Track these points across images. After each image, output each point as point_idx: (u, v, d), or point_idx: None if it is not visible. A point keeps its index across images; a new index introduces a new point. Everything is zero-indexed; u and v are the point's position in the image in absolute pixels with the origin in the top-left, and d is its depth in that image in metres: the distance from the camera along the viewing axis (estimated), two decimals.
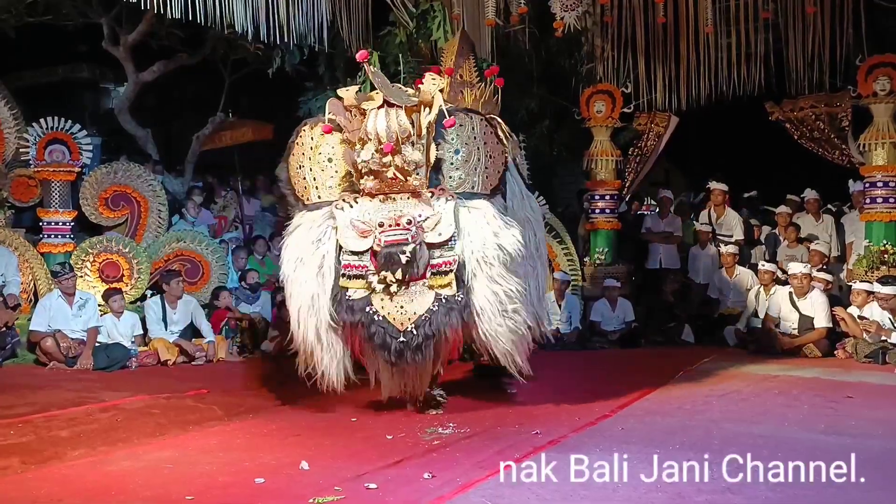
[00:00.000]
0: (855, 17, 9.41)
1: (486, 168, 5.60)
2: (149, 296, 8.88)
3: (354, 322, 5.43)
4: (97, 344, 7.82)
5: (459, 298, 5.39)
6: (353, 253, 5.44)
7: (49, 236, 8.89)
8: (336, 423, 5.51)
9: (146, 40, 11.84)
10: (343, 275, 5.46)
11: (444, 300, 5.40)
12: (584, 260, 10.59)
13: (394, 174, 5.40)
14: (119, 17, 11.59)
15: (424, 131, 5.37)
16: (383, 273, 5.33)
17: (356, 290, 5.44)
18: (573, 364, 8.35)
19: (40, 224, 9.00)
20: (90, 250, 8.88)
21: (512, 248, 5.45)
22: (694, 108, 10.73)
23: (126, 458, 4.56)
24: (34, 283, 8.63)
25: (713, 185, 10.98)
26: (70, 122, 9.02)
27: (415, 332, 5.38)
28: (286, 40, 8.41)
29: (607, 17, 10.51)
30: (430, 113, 5.37)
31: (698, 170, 13.52)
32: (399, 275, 5.31)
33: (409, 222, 5.35)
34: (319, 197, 5.65)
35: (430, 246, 5.42)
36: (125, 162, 10.01)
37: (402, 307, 5.41)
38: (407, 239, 5.32)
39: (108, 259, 8.90)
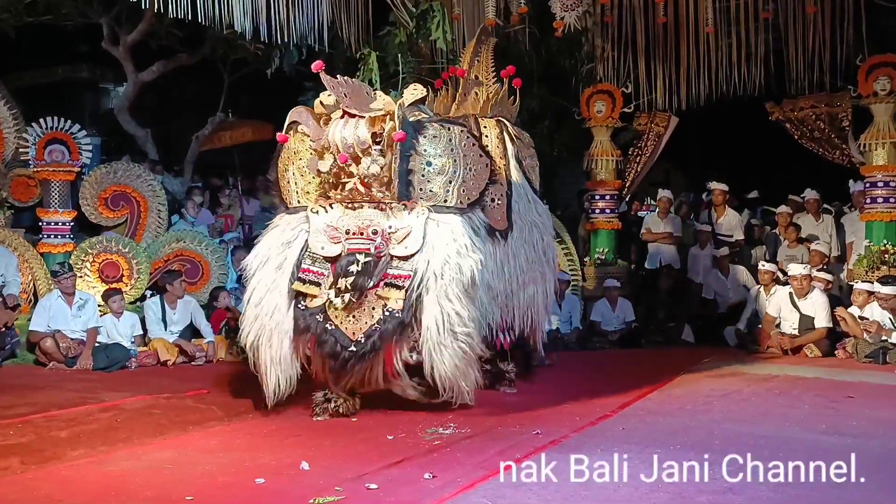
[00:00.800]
0: (855, 16, 9.40)
1: (462, 181, 5.50)
2: (148, 296, 8.87)
3: (307, 328, 5.40)
4: (97, 344, 7.80)
5: (405, 313, 5.31)
6: (317, 259, 5.41)
7: (49, 236, 8.87)
8: (336, 423, 5.50)
9: (146, 40, 11.84)
10: (299, 278, 5.42)
11: (390, 313, 5.34)
12: (585, 260, 10.60)
13: (354, 185, 5.38)
14: (119, 17, 11.59)
15: (385, 142, 5.29)
16: (341, 280, 5.29)
17: (312, 298, 5.41)
18: (573, 364, 8.34)
19: (40, 224, 8.98)
20: (90, 250, 8.86)
21: (469, 273, 5.32)
22: (694, 108, 10.73)
23: (126, 459, 4.56)
24: (34, 284, 8.62)
25: (713, 185, 10.99)
26: (69, 122, 8.99)
27: (364, 342, 5.34)
28: (286, 40, 8.40)
29: (607, 17, 10.50)
30: (393, 125, 5.28)
31: (698, 170, 13.52)
32: (351, 283, 5.25)
33: (375, 233, 5.34)
34: (299, 202, 5.67)
35: (397, 258, 5.38)
36: (125, 162, 10.00)
37: (354, 317, 5.37)
38: (369, 249, 5.32)
39: (107, 259, 8.87)
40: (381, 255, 5.36)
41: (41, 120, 8.90)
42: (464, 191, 5.52)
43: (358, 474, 4.11)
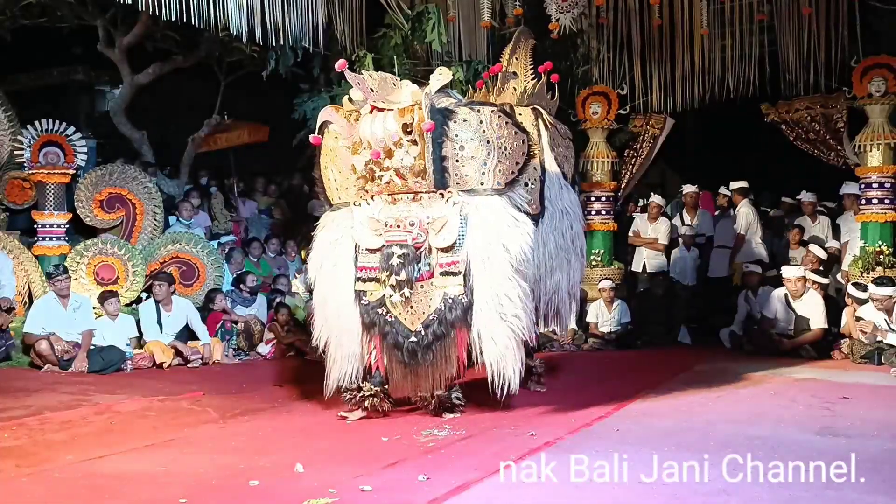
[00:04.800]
0: (850, 18, 9.43)
1: (497, 162, 5.47)
2: (144, 298, 8.86)
3: (370, 323, 5.51)
4: (92, 346, 7.79)
5: (465, 299, 5.39)
6: (368, 252, 5.51)
7: (44, 239, 8.86)
8: (332, 425, 5.50)
9: (141, 42, 11.81)
10: (359, 278, 5.54)
11: (450, 300, 5.41)
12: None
13: (390, 178, 5.42)
14: (114, 20, 11.57)
15: (416, 132, 5.33)
16: (390, 277, 5.38)
17: (372, 293, 5.51)
18: (569, 365, 8.35)
19: (35, 227, 8.97)
20: (85, 252, 8.85)
21: (517, 248, 5.38)
22: (689, 109, 10.75)
23: (120, 461, 4.54)
24: (29, 286, 8.60)
25: (686, 188, 11.06)
26: (65, 124, 8.99)
27: (424, 332, 5.42)
28: (281, 42, 8.39)
29: (603, 18, 10.53)
30: (422, 115, 5.32)
31: (694, 171, 13.51)
32: (403, 275, 5.35)
33: (412, 224, 5.39)
34: (340, 198, 5.77)
35: (438, 249, 5.44)
36: (120, 164, 9.99)
37: (412, 307, 5.46)
38: (405, 240, 5.38)
39: (102, 261, 8.87)
40: (420, 246, 5.42)
41: (36, 122, 8.91)
42: (500, 171, 5.50)
43: (352, 476, 4.10)
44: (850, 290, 8.65)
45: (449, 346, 5.44)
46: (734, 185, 10.68)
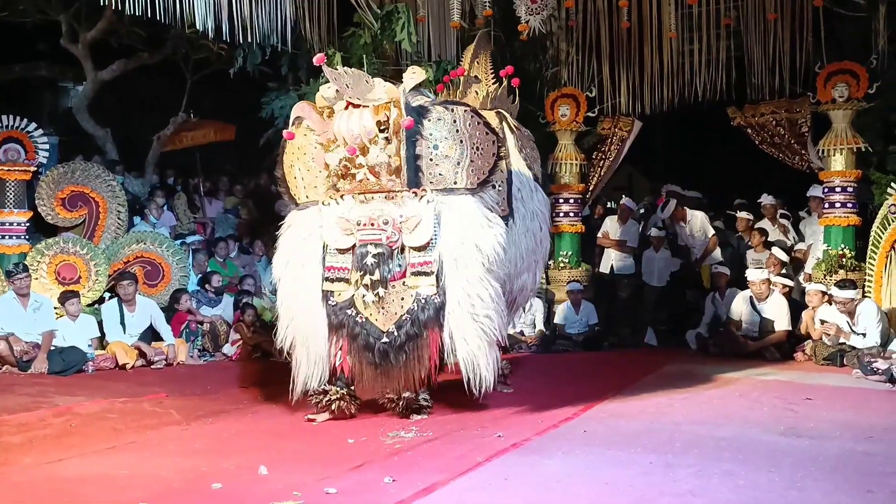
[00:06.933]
0: (815, 24, 9.55)
1: (470, 161, 5.46)
2: (107, 298, 8.72)
3: (338, 324, 5.45)
4: (52, 347, 7.64)
5: (437, 299, 5.36)
6: (338, 252, 5.46)
7: (3, 237, 8.70)
8: (297, 426, 5.44)
9: (106, 38, 11.66)
10: (326, 278, 5.48)
11: (422, 300, 5.38)
12: (549, 263, 10.60)
13: (364, 175, 5.38)
14: (78, 15, 11.41)
15: (392, 129, 5.30)
16: (364, 276, 5.33)
17: (340, 293, 5.45)
18: (537, 367, 8.36)
19: None
20: (46, 251, 8.70)
21: (490, 249, 5.36)
22: (657, 112, 10.82)
23: (80, 465, 4.45)
24: None
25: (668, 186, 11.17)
26: (26, 120, 8.84)
27: (396, 332, 5.37)
28: (249, 40, 8.31)
29: (572, 21, 10.57)
30: (398, 112, 5.31)
31: (661, 174, 13.63)
32: (378, 275, 5.31)
33: (386, 223, 5.34)
34: (307, 197, 5.68)
35: (412, 248, 5.41)
36: (82, 162, 9.84)
37: (383, 308, 5.41)
38: (380, 239, 5.33)
39: (64, 261, 8.72)
40: (394, 245, 5.38)
41: None
42: (472, 171, 5.47)
43: (317, 478, 4.05)
44: (813, 286, 8.78)
45: (422, 346, 5.40)
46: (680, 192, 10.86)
